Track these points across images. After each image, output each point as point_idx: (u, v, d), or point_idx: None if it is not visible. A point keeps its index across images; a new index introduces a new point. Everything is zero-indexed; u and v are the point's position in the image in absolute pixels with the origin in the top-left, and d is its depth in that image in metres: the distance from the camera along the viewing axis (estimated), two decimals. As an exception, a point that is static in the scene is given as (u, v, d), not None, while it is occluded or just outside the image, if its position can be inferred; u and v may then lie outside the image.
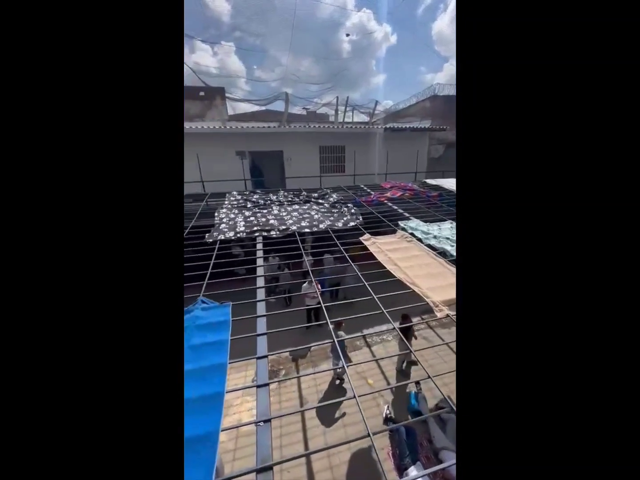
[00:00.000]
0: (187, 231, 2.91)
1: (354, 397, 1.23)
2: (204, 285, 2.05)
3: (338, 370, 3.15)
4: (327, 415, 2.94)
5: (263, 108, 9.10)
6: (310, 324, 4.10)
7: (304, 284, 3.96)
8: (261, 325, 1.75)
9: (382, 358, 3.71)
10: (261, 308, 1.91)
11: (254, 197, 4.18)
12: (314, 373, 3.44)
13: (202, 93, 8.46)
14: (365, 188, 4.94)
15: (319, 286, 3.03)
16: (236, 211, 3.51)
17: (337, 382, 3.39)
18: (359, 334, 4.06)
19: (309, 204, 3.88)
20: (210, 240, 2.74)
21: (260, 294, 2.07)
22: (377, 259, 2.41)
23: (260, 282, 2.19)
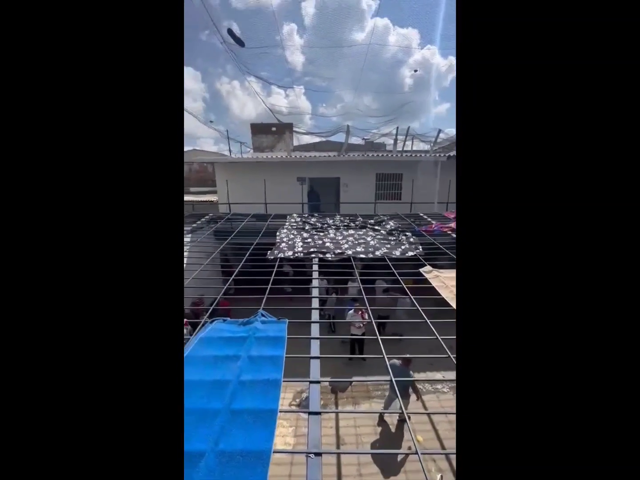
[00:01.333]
0: (252, 247, 3.22)
1: (417, 453, 1.07)
2: (264, 299, 2.19)
3: (397, 412, 2.83)
4: (371, 461, 2.62)
5: (324, 139, 9.86)
6: (353, 356, 3.88)
7: (350, 311, 3.84)
8: (315, 348, 1.74)
9: (436, 413, 3.21)
10: (315, 330, 1.92)
11: (312, 220, 4.41)
12: (374, 412, 3.15)
13: (274, 128, 9.74)
14: (425, 217, 4.72)
15: (366, 315, 2.90)
16: (295, 232, 3.75)
17: (395, 423, 3.02)
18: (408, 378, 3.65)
19: (364, 230, 3.89)
20: (272, 257, 2.96)
21: (315, 315, 2.09)
22: (439, 294, 2.20)
23: (315, 303, 2.23)
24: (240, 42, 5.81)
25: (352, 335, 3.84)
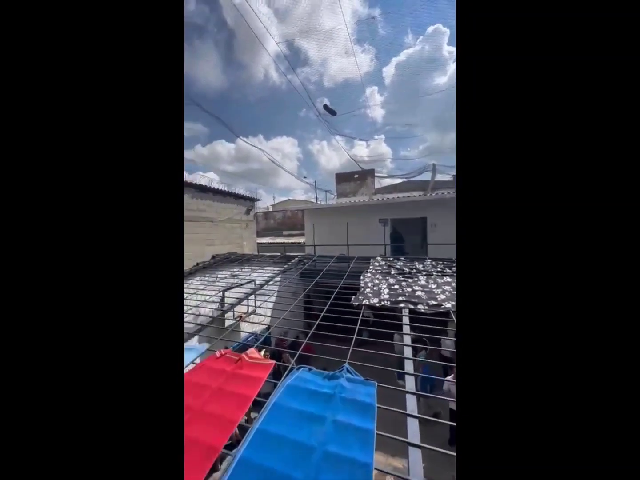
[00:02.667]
0: (336, 290, 3.21)
1: None
2: (350, 351, 2.04)
3: None
4: None
5: (406, 180, 9.71)
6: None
7: (449, 376, 3.08)
8: (411, 404, 1.40)
9: None
10: (410, 383, 1.59)
11: (398, 264, 4.11)
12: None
13: (356, 175, 10.47)
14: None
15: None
16: (380, 277, 3.55)
17: None
18: None
19: (464, 278, 3.27)
20: (356, 303, 2.84)
21: (409, 365, 1.76)
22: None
23: (409, 365, 1.89)
24: (332, 112, 6.89)
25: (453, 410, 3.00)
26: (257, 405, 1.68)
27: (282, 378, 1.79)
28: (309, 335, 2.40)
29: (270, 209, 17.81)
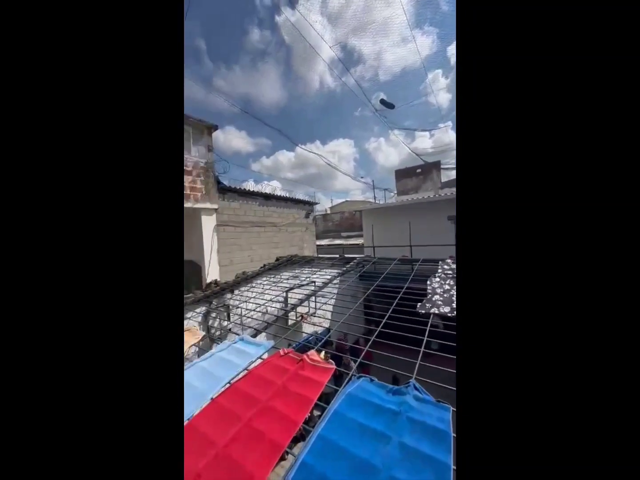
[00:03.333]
0: (399, 295, 2.98)
1: None
2: (417, 365, 1.83)
3: None
4: None
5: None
6: None
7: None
8: None
9: None
10: None
11: (473, 267, 3.53)
12: None
13: (419, 170, 9.64)
14: None
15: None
16: (452, 282, 3.12)
17: None
18: None
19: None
20: (422, 311, 2.56)
21: None
22: None
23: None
24: (390, 106, 6.54)
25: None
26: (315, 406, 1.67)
27: (343, 386, 1.74)
28: (370, 342, 2.28)
29: (328, 212, 18.19)
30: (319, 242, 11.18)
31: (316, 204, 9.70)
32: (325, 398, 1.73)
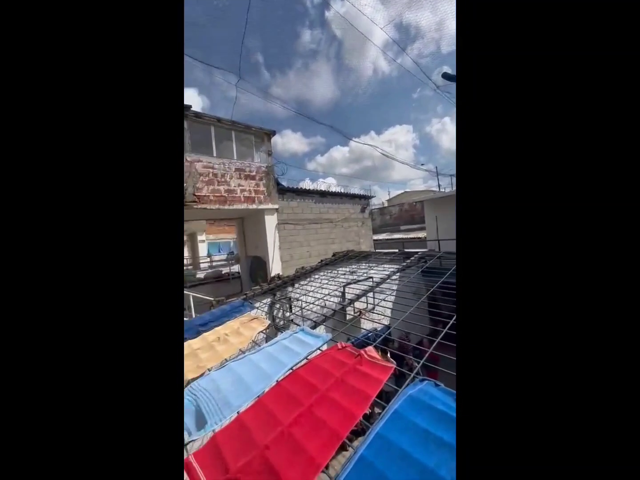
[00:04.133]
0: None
1: None
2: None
3: None
4: None
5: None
6: None
7: None
8: None
9: None
10: None
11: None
12: None
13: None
14: None
15: None
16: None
17: None
18: None
19: None
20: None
21: None
22: None
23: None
24: (454, 79, 5.77)
25: None
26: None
27: (404, 386, 1.65)
28: (435, 344, 2.09)
29: (386, 204, 17.39)
30: (376, 237, 10.82)
31: (372, 197, 9.40)
32: (386, 397, 1.68)
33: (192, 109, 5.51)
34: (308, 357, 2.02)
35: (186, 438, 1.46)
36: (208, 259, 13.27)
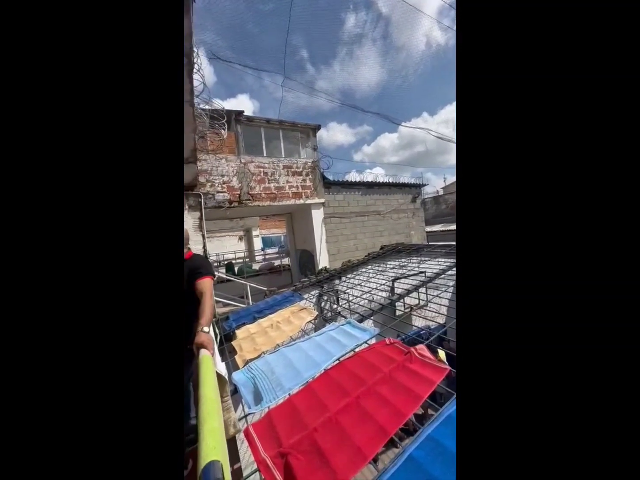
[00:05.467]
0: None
1: None
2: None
3: None
4: None
5: None
6: None
7: None
8: None
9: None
10: None
11: None
12: None
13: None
14: None
15: None
16: None
17: None
18: None
19: None
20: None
21: None
22: None
23: None
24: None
25: None
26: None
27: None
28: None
29: (441, 192, 15.83)
30: (429, 228, 10.01)
31: (424, 185, 8.68)
32: (440, 399, 1.57)
33: (244, 113, 5.96)
34: (355, 350, 2.02)
35: (245, 410, 1.65)
36: (262, 252, 14.41)
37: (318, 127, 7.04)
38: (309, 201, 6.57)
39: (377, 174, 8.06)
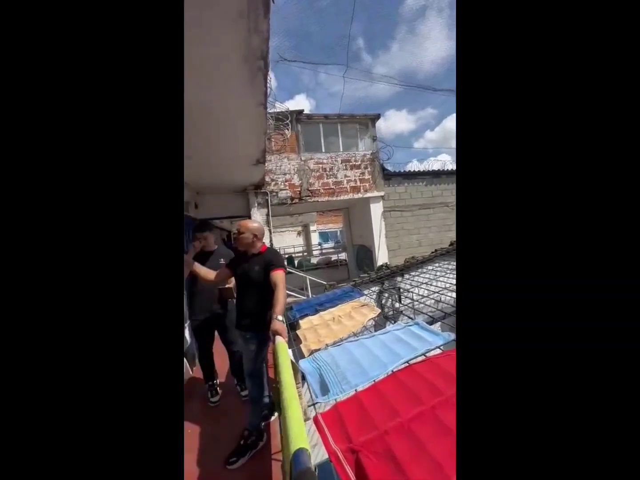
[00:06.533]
0: None
1: None
2: None
3: None
4: None
5: None
6: None
7: None
8: None
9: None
10: None
11: None
12: None
13: None
14: None
15: None
16: None
17: None
18: None
19: None
20: None
21: None
22: None
23: None
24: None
25: None
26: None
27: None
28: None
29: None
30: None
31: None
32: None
33: (304, 112, 6.14)
34: (426, 355, 1.86)
35: (313, 399, 1.71)
36: (319, 247, 14.85)
37: (377, 117, 6.72)
38: (367, 195, 6.38)
39: (443, 161, 7.23)
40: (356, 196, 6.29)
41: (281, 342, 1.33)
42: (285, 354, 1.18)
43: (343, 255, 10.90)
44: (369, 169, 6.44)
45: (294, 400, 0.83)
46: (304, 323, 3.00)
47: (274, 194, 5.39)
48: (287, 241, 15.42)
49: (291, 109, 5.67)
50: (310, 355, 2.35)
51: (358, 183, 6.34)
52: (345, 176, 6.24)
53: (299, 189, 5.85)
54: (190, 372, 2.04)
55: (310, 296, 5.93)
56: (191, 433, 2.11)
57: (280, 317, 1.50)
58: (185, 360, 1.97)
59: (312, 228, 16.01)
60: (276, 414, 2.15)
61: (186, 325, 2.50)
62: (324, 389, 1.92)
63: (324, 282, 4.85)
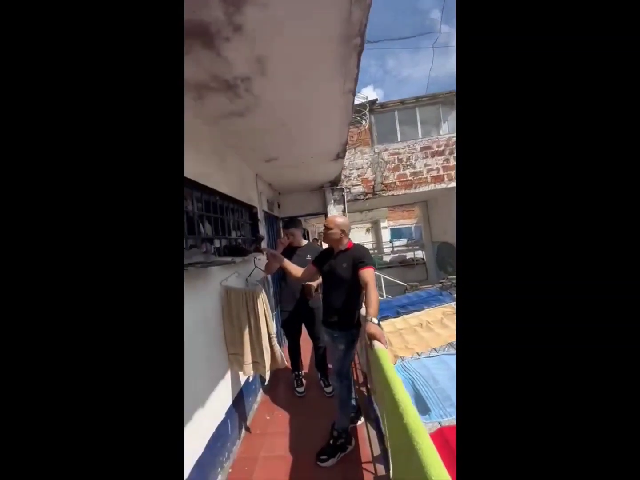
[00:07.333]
0: None
1: None
2: None
3: None
4: None
5: None
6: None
7: None
8: None
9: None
10: None
11: None
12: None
13: None
14: None
15: None
16: None
17: None
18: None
19: None
20: None
21: None
22: None
23: None
24: None
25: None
26: None
27: None
28: None
29: None
30: None
31: None
32: None
33: (377, 101, 5.80)
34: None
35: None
36: (390, 244, 14.06)
37: (466, 92, 5.72)
38: (452, 184, 5.53)
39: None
40: (439, 186, 5.54)
41: (381, 349, 1.18)
42: (390, 365, 1.03)
43: (420, 254, 9.96)
44: (454, 155, 5.58)
45: (423, 432, 0.67)
46: (385, 325, 2.79)
47: (348, 189, 5.31)
48: (355, 238, 15.22)
49: (361, 101, 5.45)
50: (396, 363, 2.14)
51: (441, 172, 5.57)
52: (426, 165, 5.58)
53: (372, 183, 5.58)
54: (285, 363, 2.15)
55: (384, 296, 5.60)
56: (270, 419, 2.23)
57: (375, 320, 1.36)
58: (279, 349, 2.09)
59: (382, 224, 15.30)
60: (362, 418, 2.05)
61: (273, 314, 2.68)
62: (421, 406, 1.69)
63: (403, 283, 4.45)
